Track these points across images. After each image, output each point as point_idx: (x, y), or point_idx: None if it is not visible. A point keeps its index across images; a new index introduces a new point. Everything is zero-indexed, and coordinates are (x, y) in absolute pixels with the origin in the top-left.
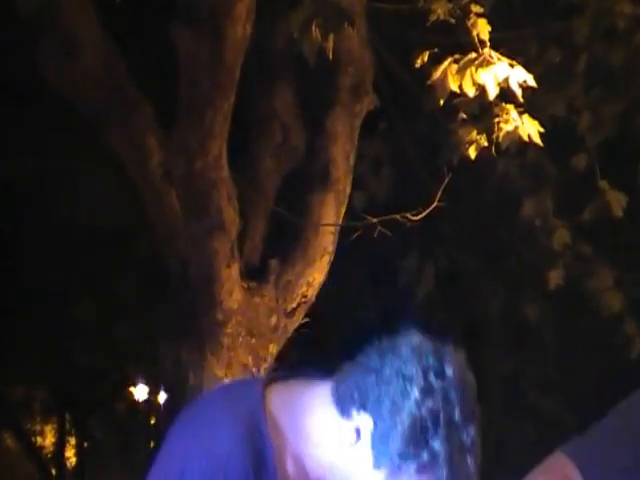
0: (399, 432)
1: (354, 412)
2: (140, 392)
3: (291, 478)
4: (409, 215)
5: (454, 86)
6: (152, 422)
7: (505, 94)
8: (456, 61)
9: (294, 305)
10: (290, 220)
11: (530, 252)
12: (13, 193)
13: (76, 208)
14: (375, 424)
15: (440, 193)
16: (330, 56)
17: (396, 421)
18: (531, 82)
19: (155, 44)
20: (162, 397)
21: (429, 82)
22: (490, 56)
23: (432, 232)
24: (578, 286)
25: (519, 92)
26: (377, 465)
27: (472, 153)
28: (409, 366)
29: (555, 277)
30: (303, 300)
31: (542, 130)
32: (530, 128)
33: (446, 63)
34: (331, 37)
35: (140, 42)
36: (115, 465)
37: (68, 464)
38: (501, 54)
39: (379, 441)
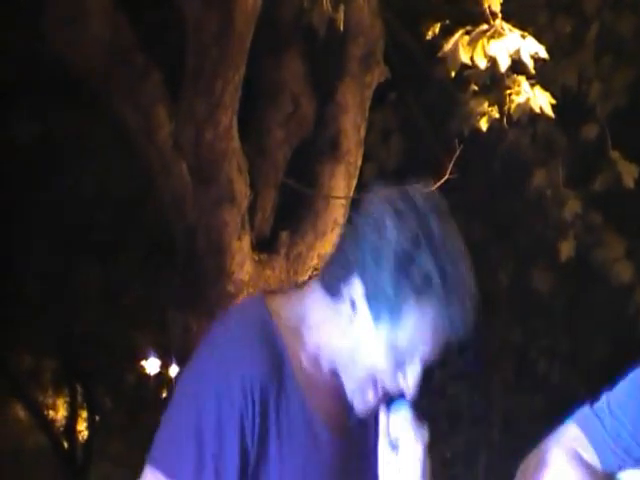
0: (387, 272)
1: (343, 288)
2: (152, 366)
3: (307, 373)
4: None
5: (465, 58)
6: (163, 396)
7: (516, 65)
8: (467, 32)
9: (305, 277)
10: (300, 192)
11: (541, 223)
12: (19, 160)
13: (84, 175)
14: (364, 283)
15: (451, 165)
16: (341, 27)
17: (381, 265)
18: (543, 53)
19: (164, 12)
20: (173, 371)
21: (440, 54)
22: (502, 28)
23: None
24: (588, 256)
25: (530, 64)
26: (377, 318)
27: (484, 125)
28: (378, 210)
29: (566, 248)
30: (314, 272)
31: (553, 101)
32: (541, 99)
33: (457, 35)
34: (341, 8)
35: (149, 9)
36: (125, 439)
37: (80, 437)
38: (512, 25)
39: (373, 294)
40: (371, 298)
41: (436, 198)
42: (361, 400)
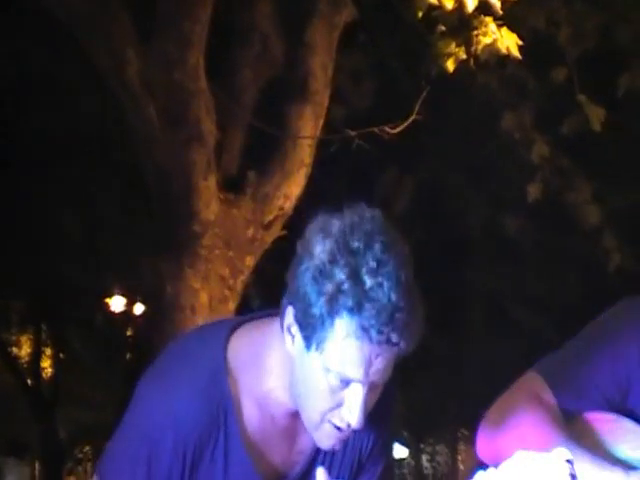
0: (308, 287)
1: (285, 319)
2: (117, 303)
3: (255, 422)
4: (387, 128)
5: None
6: (129, 334)
7: (484, 6)
8: None
9: (271, 217)
10: (268, 132)
11: (510, 166)
12: None
13: (58, 113)
14: (294, 306)
15: (418, 106)
16: None
17: (305, 288)
18: None
19: None
20: (139, 308)
21: None
22: None
23: (412, 146)
24: (557, 199)
25: (498, 4)
26: (307, 343)
27: (450, 66)
28: (311, 231)
29: (534, 190)
30: (280, 212)
31: (520, 43)
32: (508, 41)
33: None
34: None
35: None
36: (91, 376)
37: (44, 374)
38: None
39: (300, 314)
40: (299, 319)
41: (376, 217)
42: (323, 438)
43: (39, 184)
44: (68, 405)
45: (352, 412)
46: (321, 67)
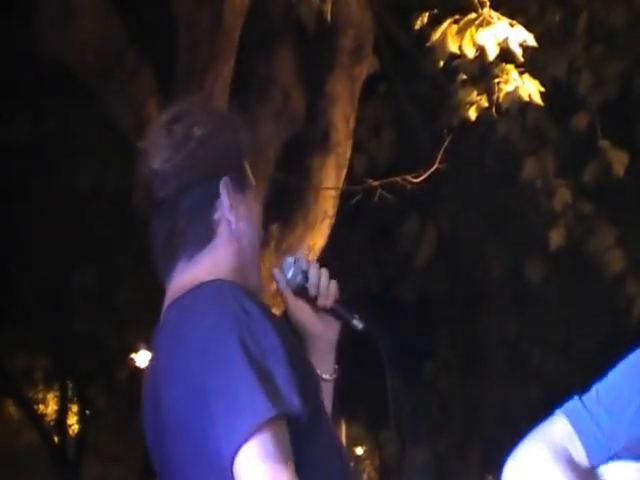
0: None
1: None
2: (142, 358)
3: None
4: (409, 177)
5: (454, 47)
6: None
7: (505, 54)
8: (456, 22)
9: None
10: (290, 184)
11: (532, 213)
12: (16, 159)
13: (76, 173)
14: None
15: (441, 155)
16: (328, 19)
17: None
18: (531, 41)
19: (154, 9)
20: None
21: (428, 44)
22: (490, 16)
23: (434, 195)
24: (580, 246)
25: (519, 52)
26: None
27: (472, 114)
28: None
29: (556, 237)
30: None
31: (542, 90)
32: (530, 88)
33: (445, 24)
34: (329, 0)
35: (140, 7)
36: (117, 432)
37: (70, 432)
38: (501, 14)
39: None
40: (232, 176)
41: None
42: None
43: (61, 243)
44: (93, 461)
45: None
46: (343, 118)
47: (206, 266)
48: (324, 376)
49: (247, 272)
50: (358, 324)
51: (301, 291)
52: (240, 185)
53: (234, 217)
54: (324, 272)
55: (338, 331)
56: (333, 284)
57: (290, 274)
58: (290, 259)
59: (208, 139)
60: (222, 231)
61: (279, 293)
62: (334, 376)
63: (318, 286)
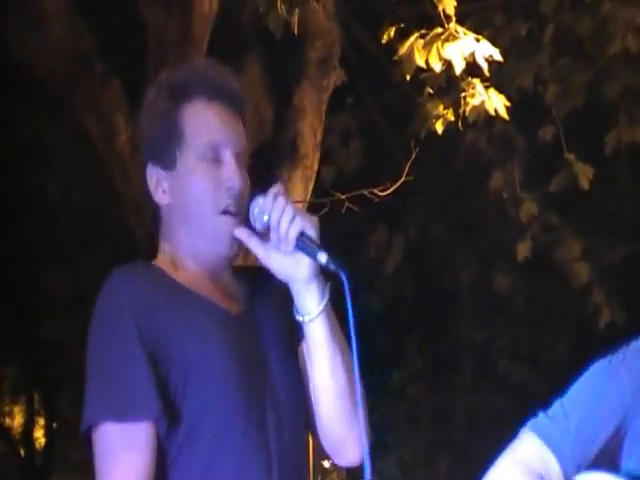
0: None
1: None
2: None
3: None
4: (377, 191)
5: (420, 61)
6: None
7: (472, 68)
8: (422, 36)
9: None
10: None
11: (499, 223)
12: None
13: (46, 178)
14: (151, 161)
15: (408, 167)
16: (295, 31)
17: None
18: (497, 56)
19: (122, 18)
20: None
21: (395, 57)
22: (456, 31)
23: (401, 205)
24: (547, 256)
25: (485, 66)
26: (173, 160)
27: (439, 128)
28: None
29: (523, 249)
30: None
31: (508, 104)
32: (496, 102)
33: (412, 38)
34: (296, 12)
35: (108, 16)
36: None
37: (37, 444)
38: (467, 28)
39: (157, 142)
40: (158, 151)
41: None
42: (222, 236)
43: (28, 248)
44: (63, 471)
45: (231, 173)
46: (310, 130)
47: (162, 245)
48: (303, 318)
49: (197, 240)
50: (322, 258)
51: (269, 232)
52: (164, 164)
53: (159, 195)
54: (288, 208)
55: (310, 268)
56: (298, 219)
57: (256, 213)
58: (258, 200)
59: (140, 131)
60: (163, 210)
61: (249, 248)
62: (317, 317)
63: (278, 224)
